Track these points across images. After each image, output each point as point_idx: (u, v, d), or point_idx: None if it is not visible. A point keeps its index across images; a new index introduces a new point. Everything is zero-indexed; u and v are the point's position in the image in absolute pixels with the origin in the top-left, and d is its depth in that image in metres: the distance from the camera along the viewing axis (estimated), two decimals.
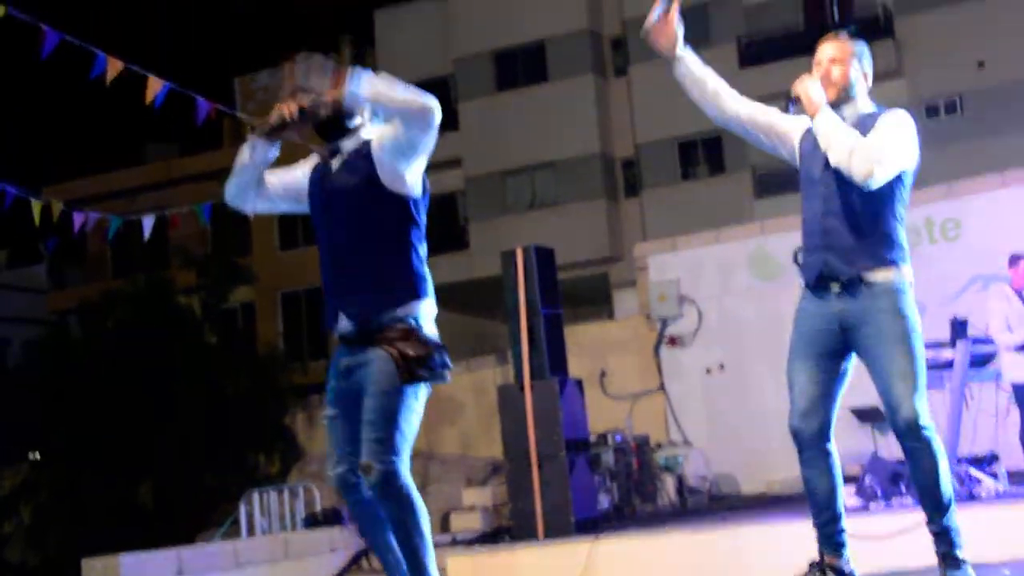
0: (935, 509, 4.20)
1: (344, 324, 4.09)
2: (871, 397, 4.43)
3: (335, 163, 4.17)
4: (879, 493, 7.67)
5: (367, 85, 3.95)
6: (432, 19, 27.95)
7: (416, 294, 4.08)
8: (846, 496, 7.94)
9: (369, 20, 29.23)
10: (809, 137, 4.40)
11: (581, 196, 26.41)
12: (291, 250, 29.67)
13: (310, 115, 4.11)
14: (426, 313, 4.10)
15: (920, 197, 13.39)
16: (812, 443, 4.32)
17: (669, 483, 12.07)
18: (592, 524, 9.17)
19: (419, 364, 3.97)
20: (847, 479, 9.30)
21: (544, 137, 26.00)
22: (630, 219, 26.36)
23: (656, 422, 13.47)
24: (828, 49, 4.43)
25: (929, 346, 7.87)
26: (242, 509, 11.83)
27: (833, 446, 4.36)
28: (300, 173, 4.31)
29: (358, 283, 4.05)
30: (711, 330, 13.56)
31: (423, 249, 4.16)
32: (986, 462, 8.01)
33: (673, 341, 13.78)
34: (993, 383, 8.48)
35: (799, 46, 21.45)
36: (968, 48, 23.22)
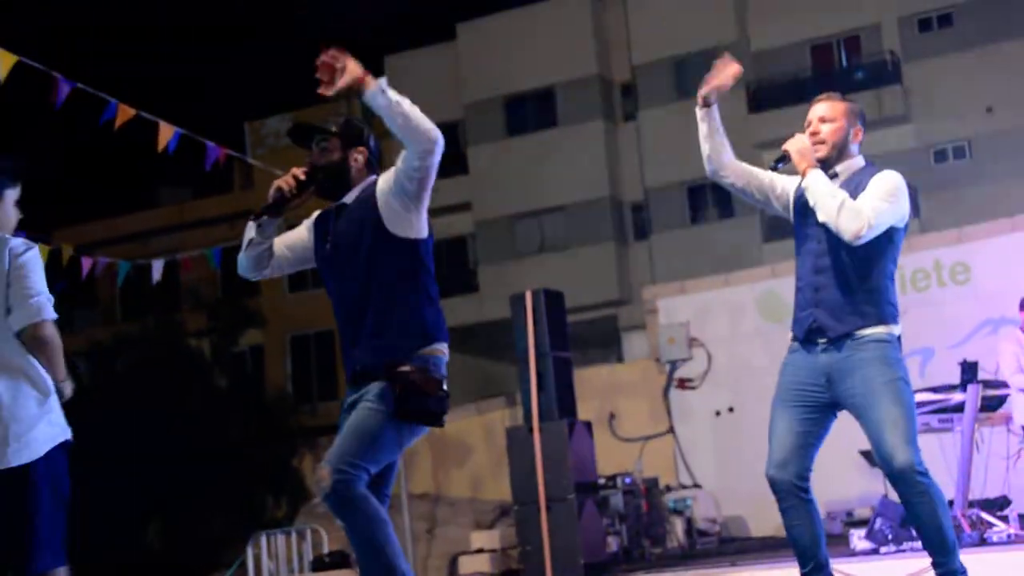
0: (940, 552, 4.21)
1: (358, 368, 4.10)
2: None
3: (340, 215, 4.19)
4: (890, 536, 7.63)
5: (388, 94, 3.90)
6: (443, 64, 28.14)
7: (429, 338, 4.07)
8: (857, 540, 7.93)
9: (380, 65, 29.44)
10: (802, 194, 4.47)
11: (590, 239, 26.46)
12: (300, 292, 29.71)
13: (308, 184, 4.14)
14: (438, 357, 4.09)
15: (929, 241, 13.48)
16: (790, 492, 4.33)
17: (678, 526, 12.04)
18: (601, 567, 9.14)
19: (414, 399, 3.93)
20: (859, 523, 9.29)
21: (554, 181, 26.10)
22: (639, 262, 26.40)
23: (665, 464, 13.44)
24: (819, 108, 4.52)
25: (939, 389, 7.89)
26: (249, 552, 11.80)
27: (812, 495, 4.35)
28: (304, 232, 4.35)
29: (373, 331, 4.05)
30: (720, 373, 13.55)
31: (434, 292, 4.16)
32: (997, 506, 7.99)
33: (682, 384, 13.78)
34: (1004, 426, 8.46)
35: (807, 92, 21.55)
36: (976, 93, 23.31)
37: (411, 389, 3.92)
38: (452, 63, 28.07)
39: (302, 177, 4.15)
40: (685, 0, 25.56)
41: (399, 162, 4.02)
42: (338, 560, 11.00)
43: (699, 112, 4.57)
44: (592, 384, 14.13)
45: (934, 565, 4.24)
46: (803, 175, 4.39)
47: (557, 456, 9.32)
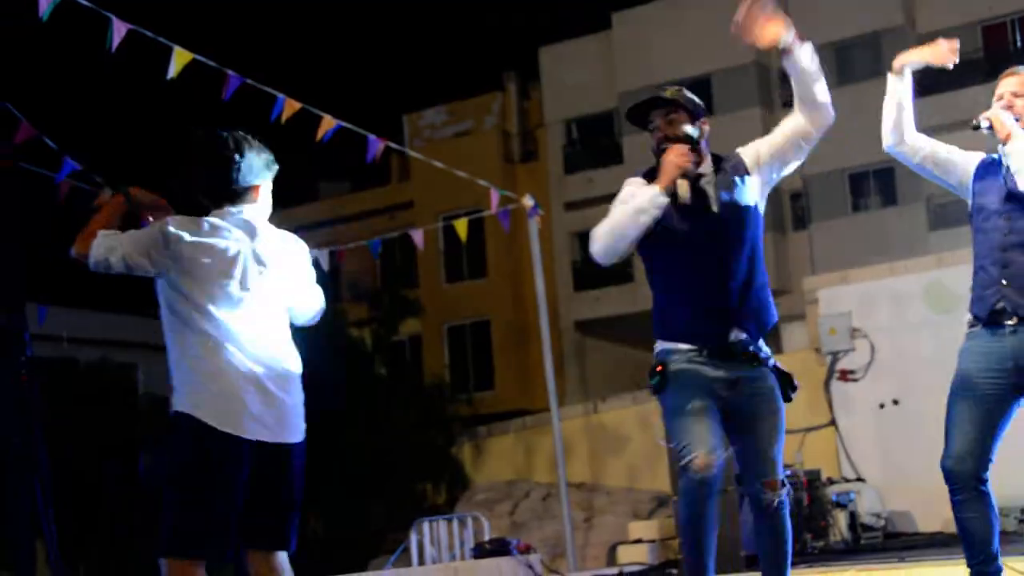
0: None
1: (737, 344, 4.20)
2: None
3: (698, 184, 4.24)
4: None
5: (808, 53, 4.07)
6: (597, 54, 28.08)
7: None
8: None
9: (534, 56, 29.55)
10: (986, 169, 4.29)
11: None
12: (456, 283, 30.06)
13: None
14: None
15: None
16: (967, 485, 4.18)
17: (841, 520, 11.79)
18: None
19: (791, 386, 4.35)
20: None
21: None
22: (798, 252, 25.93)
23: (827, 457, 13.18)
24: (1010, 83, 4.34)
25: None
26: (412, 538, 11.98)
27: (990, 487, 4.18)
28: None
29: (755, 305, 4.24)
30: (884, 364, 13.22)
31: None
32: None
33: (844, 375, 13.49)
34: None
35: (978, 74, 20.82)
36: None
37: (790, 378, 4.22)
38: (607, 52, 27.98)
39: (688, 152, 4.21)
40: None
41: (783, 134, 4.18)
42: (498, 548, 11.09)
43: (891, 76, 4.45)
44: None
45: None
46: (1006, 140, 4.21)
47: None
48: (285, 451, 4.06)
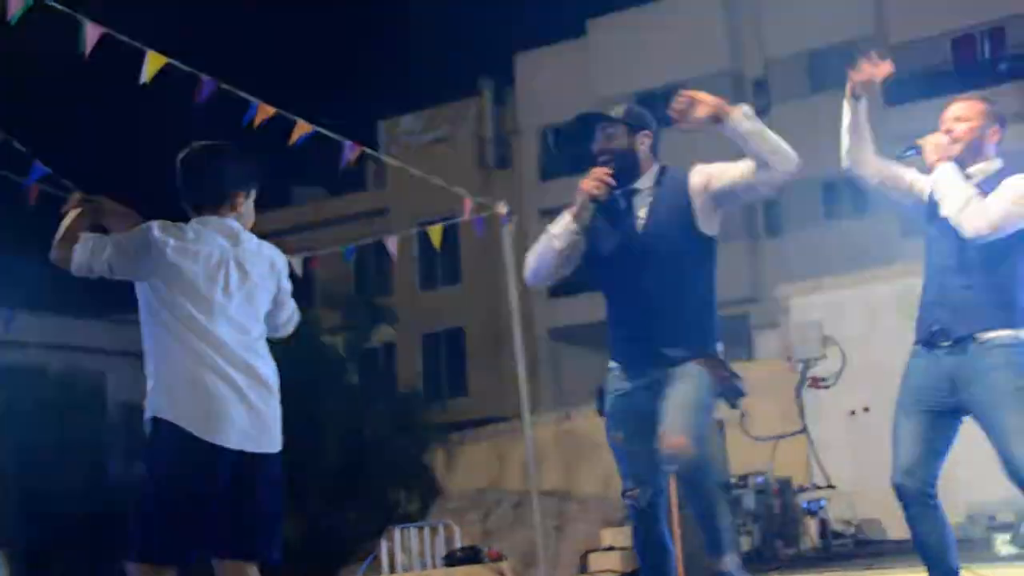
0: None
1: (658, 362, 4.18)
2: None
3: (631, 201, 4.23)
4: None
5: (755, 120, 4.00)
6: (573, 61, 28.13)
7: (714, 337, 4.36)
8: (1001, 545, 7.71)
9: (510, 62, 29.59)
10: (933, 193, 4.37)
11: (721, 237, 26.15)
12: (431, 290, 30.05)
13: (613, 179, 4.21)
14: (722, 354, 4.36)
15: None
16: (917, 499, 4.23)
17: (812, 527, 11.85)
18: None
19: (726, 377, 4.21)
20: (1002, 527, 9.01)
21: None
22: (770, 260, 26.04)
23: (798, 465, 13.24)
24: (955, 108, 4.41)
25: None
26: (383, 546, 11.95)
27: (939, 501, 4.23)
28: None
29: (679, 326, 4.21)
30: (856, 372, 13.28)
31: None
32: None
33: (816, 383, 13.55)
34: None
35: (947, 86, 20.97)
36: None
37: (723, 368, 4.13)
38: (582, 59, 28.04)
39: (611, 181, 4.20)
40: None
41: (739, 173, 4.11)
42: (470, 556, 11.08)
43: (847, 103, 4.48)
44: None
45: None
46: (931, 168, 4.29)
47: None
48: (264, 461, 4.04)
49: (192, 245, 3.99)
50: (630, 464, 4.14)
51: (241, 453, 3.94)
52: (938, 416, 4.24)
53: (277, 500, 4.11)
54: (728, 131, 3.98)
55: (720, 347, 4.20)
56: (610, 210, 4.20)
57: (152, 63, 7.22)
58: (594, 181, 4.17)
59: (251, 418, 3.99)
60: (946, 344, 4.23)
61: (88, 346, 23.42)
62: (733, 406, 4.23)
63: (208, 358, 3.93)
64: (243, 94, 7.84)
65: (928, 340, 4.29)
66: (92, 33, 6.95)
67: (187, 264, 3.96)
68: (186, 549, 3.88)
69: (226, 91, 7.72)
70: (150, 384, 3.97)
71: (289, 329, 4.37)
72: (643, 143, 4.23)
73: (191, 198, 4.13)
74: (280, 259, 4.28)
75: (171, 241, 3.96)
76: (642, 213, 4.19)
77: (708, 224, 4.17)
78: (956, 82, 19.55)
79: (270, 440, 4.08)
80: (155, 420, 3.91)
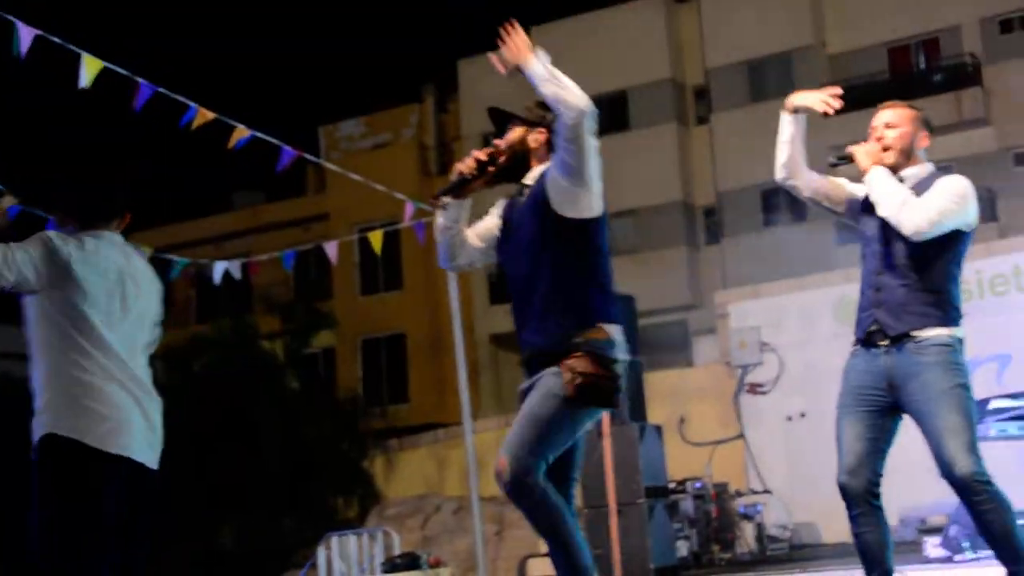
0: (1012, 561, 4.14)
1: (527, 353, 4.07)
2: None
3: (521, 199, 4.20)
4: (965, 544, 7.53)
5: (547, 65, 3.94)
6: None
7: (596, 321, 3.99)
8: (931, 548, 7.82)
9: (453, 69, 29.59)
10: (867, 197, 4.44)
11: (662, 243, 26.36)
12: (371, 296, 29.93)
13: (487, 165, 4.17)
14: (605, 340, 3.99)
15: (1009, 246, 13.23)
16: (860, 500, 4.29)
17: (748, 531, 11.95)
18: (671, 572, 9.11)
19: (586, 383, 3.87)
20: (932, 530, 9.16)
21: (625, 185, 26.04)
22: (710, 266, 26.25)
23: (735, 470, 13.35)
24: (884, 115, 4.50)
25: (1017, 396, 7.76)
26: (321, 553, 11.90)
27: (882, 502, 4.30)
28: (492, 220, 4.34)
29: (540, 314, 4.01)
30: (792, 378, 13.44)
31: (605, 273, 4.11)
32: None
33: (753, 388, 13.68)
34: None
35: (884, 95, 21.25)
36: None
37: (582, 374, 3.87)
38: None
39: (483, 158, 4.18)
40: (759, 3, 25.38)
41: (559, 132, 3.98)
42: (409, 562, 11.06)
43: (785, 116, 4.54)
44: (662, 388, 14.08)
45: (1009, 575, 4.18)
46: (864, 172, 4.37)
47: (627, 460, 9.30)
48: (153, 477, 4.01)
49: (92, 257, 3.94)
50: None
51: (141, 468, 3.92)
52: (878, 415, 4.30)
53: (152, 515, 4.06)
54: (527, 76, 3.98)
55: (613, 332, 4.01)
56: (513, 206, 4.23)
57: (90, 67, 7.14)
58: (465, 160, 4.20)
59: (149, 433, 3.97)
60: (884, 343, 4.30)
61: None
62: (610, 410, 4.06)
63: (111, 371, 3.88)
64: (181, 98, 7.79)
65: (866, 340, 4.36)
66: (26, 35, 6.86)
67: (90, 276, 3.91)
68: (96, 565, 3.79)
69: (165, 95, 7.66)
70: (42, 399, 3.87)
71: (152, 349, 4.27)
72: (536, 140, 4.22)
73: (85, 212, 4.06)
74: (158, 282, 4.27)
75: (73, 252, 3.90)
76: (522, 207, 4.20)
77: (570, 207, 4.00)
78: (892, 92, 19.84)
79: (158, 456, 4.05)
80: (51, 437, 3.80)
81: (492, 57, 3.96)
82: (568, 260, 4.01)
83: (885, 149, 4.41)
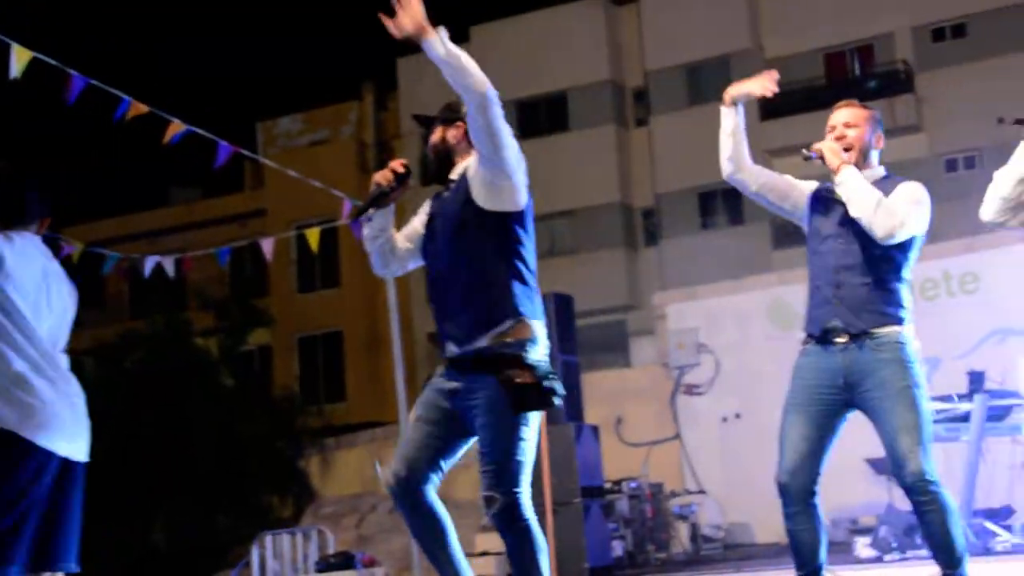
0: (948, 562, 4.19)
1: (450, 348, 4.01)
2: None
3: (446, 194, 4.16)
4: (894, 545, 7.63)
5: (447, 45, 3.77)
6: None
7: (518, 317, 3.92)
8: (862, 548, 7.92)
9: (392, 66, 29.50)
10: (821, 195, 4.47)
11: (600, 244, 26.47)
12: (308, 293, 29.76)
13: (406, 176, 4.16)
14: (528, 339, 3.93)
15: (939, 251, 13.45)
16: (798, 499, 4.31)
17: (683, 531, 12.03)
18: (605, 572, 9.14)
19: (525, 395, 3.85)
20: (863, 530, 9.28)
21: (564, 185, 26.13)
22: (648, 268, 26.41)
23: (671, 470, 13.43)
24: (842, 114, 4.52)
25: (945, 399, 7.88)
26: (254, 552, 11.81)
27: (818, 501, 4.34)
28: (419, 220, 4.30)
29: (459, 309, 3.97)
30: (728, 379, 13.54)
31: (528, 268, 4.03)
32: (1002, 515, 7.98)
33: (690, 389, 13.77)
34: (1009, 437, 8.44)
35: (820, 100, 21.54)
36: (987, 103, 23.24)
37: (520, 385, 3.83)
38: None
39: (400, 169, 4.16)
40: (699, 7, 25.58)
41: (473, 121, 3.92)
42: (343, 562, 11.01)
43: (724, 109, 4.55)
44: (599, 388, 14.13)
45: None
46: (836, 171, 4.38)
47: (563, 460, 9.32)
48: (78, 469, 4.00)
49: (20, 250, 3.95)
50: (400, 447, 4.11)
51: (67, 461, 3.91)
52: (827, 415, 4.31)
53: (80, 509, 4.05)
54: (431, 57, 3.90)
55: (536, 328, 3.94)
56: (438, 203, 4.21)
57: (20, 58, 7.02)
58: (384, 171, 4.19)
59: (76, 426, 3.97)
60: (842, 341, 4.32)
61: None
62: (525, 409, 3.96)
63: (41, 365, 3.88)
64: (114, 91, 7.68)
65: (822, 337, 4.37)
66: None
67: (22, 269, 3.91)
68: (17, 556, 3.77)
69: (97, 89, 7.56)
70: None
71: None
72: (455, 136, 4.20)
73: (3, 214, 4.05)
74: (75, 287, 4.25)
75: (3, 243, 3.90)
76: (447, 203, 4.19)
77: (492, 199, 3.95)
78: (830, 97, 20.08)
79: (85, 449, 4.04)
80: None
81: (385, 19, 3.79)
82: (489, 253, 3.96)
83: (847, 149, 4.45)
